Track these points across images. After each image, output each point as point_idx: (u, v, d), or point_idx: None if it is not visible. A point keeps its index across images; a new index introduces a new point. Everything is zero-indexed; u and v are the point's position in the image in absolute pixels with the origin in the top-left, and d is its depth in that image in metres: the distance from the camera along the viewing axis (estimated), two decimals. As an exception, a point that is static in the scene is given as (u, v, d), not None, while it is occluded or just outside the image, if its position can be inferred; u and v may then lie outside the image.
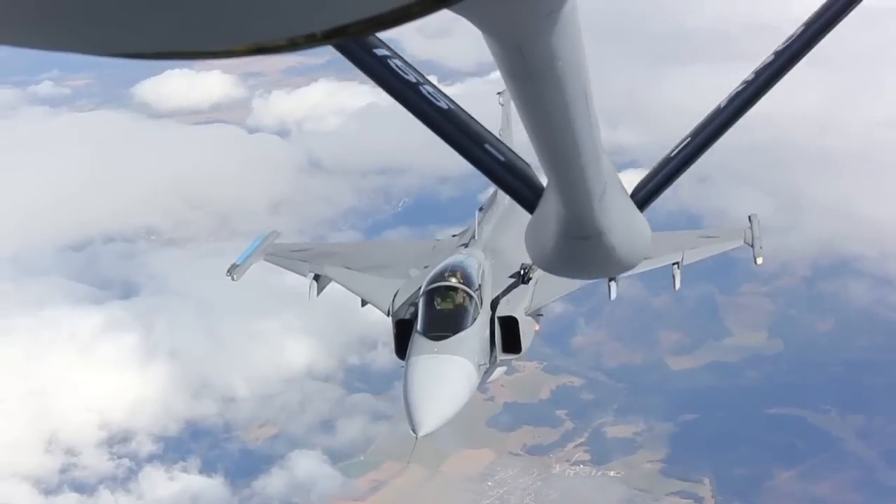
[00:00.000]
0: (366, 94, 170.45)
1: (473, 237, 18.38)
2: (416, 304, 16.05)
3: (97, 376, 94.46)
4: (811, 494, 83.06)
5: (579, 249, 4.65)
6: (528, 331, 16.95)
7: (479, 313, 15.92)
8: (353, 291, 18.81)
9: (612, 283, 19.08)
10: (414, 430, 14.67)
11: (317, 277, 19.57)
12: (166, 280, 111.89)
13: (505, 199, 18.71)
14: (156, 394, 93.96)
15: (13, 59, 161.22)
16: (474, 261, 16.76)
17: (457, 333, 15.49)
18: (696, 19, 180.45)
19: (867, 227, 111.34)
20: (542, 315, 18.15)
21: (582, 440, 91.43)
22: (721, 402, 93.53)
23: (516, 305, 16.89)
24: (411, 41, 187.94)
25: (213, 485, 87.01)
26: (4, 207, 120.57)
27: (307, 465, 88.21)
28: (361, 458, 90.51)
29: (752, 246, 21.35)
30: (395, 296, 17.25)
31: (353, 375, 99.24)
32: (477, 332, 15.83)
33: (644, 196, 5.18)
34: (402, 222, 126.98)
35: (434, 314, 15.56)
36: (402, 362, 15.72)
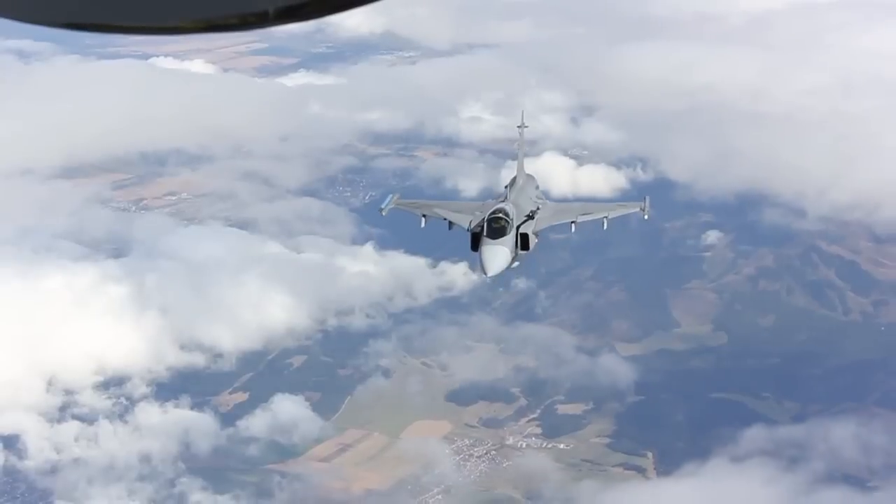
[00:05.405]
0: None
1: (506, 197, 34.26)
2: (482, 225, 31.39)
3: (92, 327, 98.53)
4: (748, 471, 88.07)
5: None
6: (533, 241, 32.73)
7: (511, 230, 31.34)
8: (448, 219, 34.38)
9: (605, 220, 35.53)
10: (486, 273, 30.83)
11: (424, 216, 35.35)
12: (157, 242, 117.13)
13: (520, 179, 35.46)
14: (147, 344, 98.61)
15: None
16: (510, 206, 32.43)
17: (502, 237, 30.94)
18: (653, 7, 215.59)
19: (788, 172, 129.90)
20: (538, 234, 33.56)
21: (534, 416, 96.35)
22: (666, 386, 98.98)
23: (528, 228, 32.59)
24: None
25: (204, 419, 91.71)
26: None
27: (288, 408, 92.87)
28: (328, 423, 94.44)
29: (643, 210, 35.65)
30: (470, 221, 32.90)
31: (328, 336, 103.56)
32: (511, 238, 31.35)
33: None
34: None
35: (492, 229, 31.01)
36: (475, 253, 31.03)
